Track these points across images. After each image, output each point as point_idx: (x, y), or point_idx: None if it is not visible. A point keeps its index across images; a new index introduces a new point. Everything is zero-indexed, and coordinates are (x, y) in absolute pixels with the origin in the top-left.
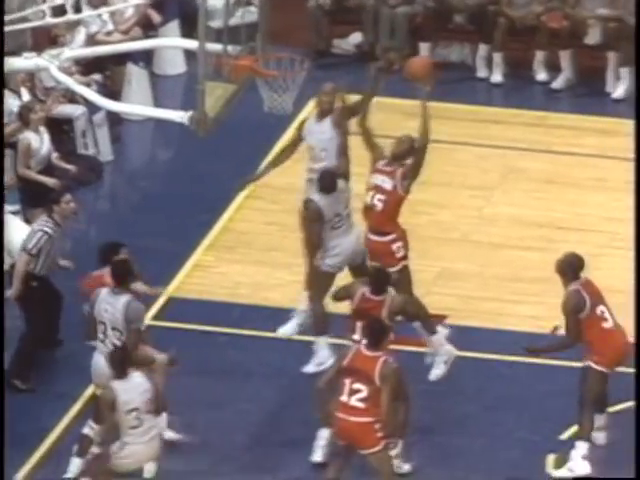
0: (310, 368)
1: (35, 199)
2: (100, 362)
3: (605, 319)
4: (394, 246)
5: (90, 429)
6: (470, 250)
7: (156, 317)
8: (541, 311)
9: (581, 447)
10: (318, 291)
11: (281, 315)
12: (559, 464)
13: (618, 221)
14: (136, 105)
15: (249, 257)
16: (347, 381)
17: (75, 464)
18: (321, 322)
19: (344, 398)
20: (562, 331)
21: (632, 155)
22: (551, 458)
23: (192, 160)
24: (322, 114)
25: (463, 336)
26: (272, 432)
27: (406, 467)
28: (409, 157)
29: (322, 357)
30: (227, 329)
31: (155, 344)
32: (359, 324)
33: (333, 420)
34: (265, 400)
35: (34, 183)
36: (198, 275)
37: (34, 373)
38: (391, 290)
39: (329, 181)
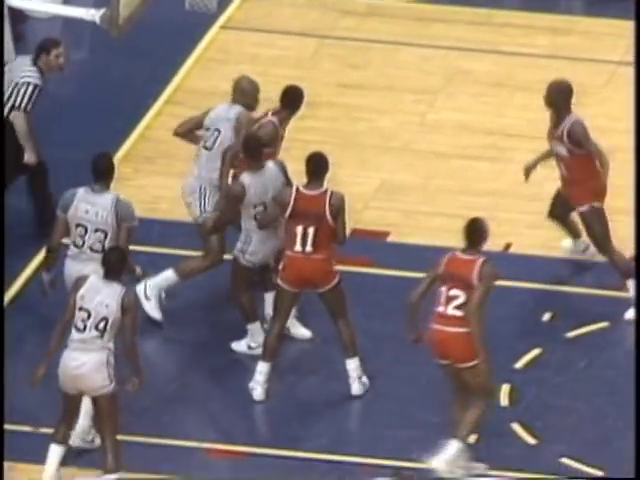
0: (240, 347)
1: None
2: (74, 268)
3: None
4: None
5: None
6: (413, 160)
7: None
8: (492, 226)
9: None
10: (239, 284)
11: None
12: (514, 395)
13: None
14: (42, 1)
15: (170, 168)
16: (443, 289)
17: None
18: (250, 311)
19: (440, 308)
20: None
21: (586, 56)
22: (506, 388)
23: (105, 63)
24: None
25: (406, 254)
26: (199, 360)
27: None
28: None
29: (257, 340)
30: (146, 248)
31: None
32: (300, 228)
33: (427, 334)
34: (192, 324)
35: None
36: (114, 188)
37: None
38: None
39: (255, 148)
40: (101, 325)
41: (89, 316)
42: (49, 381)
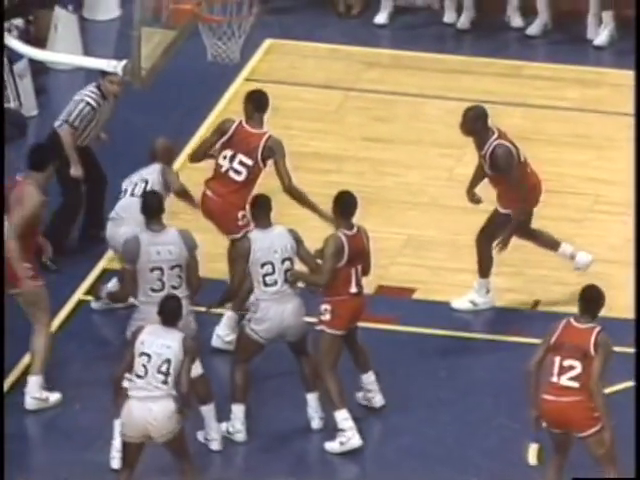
0: (222, 428)
1: None
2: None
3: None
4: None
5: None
6: (440, 215)
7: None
8: (519, 283)
9: None
10: (239, 355)
11: None
12: (542, 455)
13: (601, 182)
14: (63, 53)
15: (194, 224)
16: (557, 359)
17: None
18: (240, 389)
19: (554, 379)
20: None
21: (616, 109)
22: (533, 448)
23: (127, 115)
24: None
25: (433, 311)
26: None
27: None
28: None
29: (236, 426)
30: None
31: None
32: (353, 270)
33: (541, 404)
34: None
35: None
36: None
37: (64, 253)
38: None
39: (263, 206)
40: (164, 367)
41: (150, 359)
42: (65, 440)
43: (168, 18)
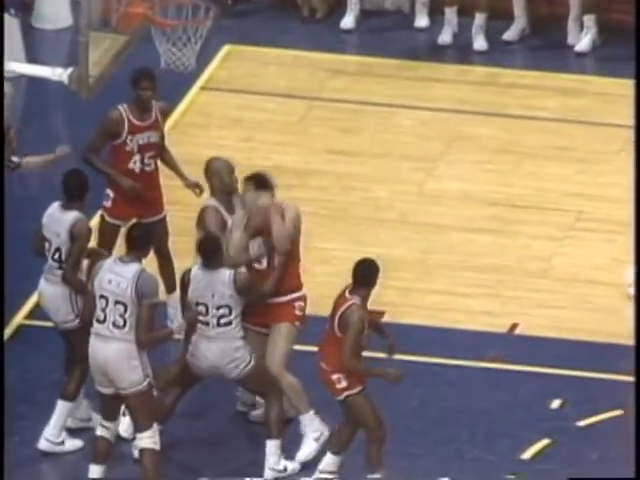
0: None
1: None
2: (103, 351)
3: None
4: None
5: (104, 429)
6: (410, 233)
7: None
8: (495, 306)
9: None
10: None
11: None
12: None
13: (584, 197)
14: (5, 60)
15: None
16: None
17: (96, 471)
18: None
19: None
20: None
21: (599, 119)
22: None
23: (73, 127)
24: None
25: (403, 336)
26: None
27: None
28: None
29: None
30: None
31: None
32: None
33: None
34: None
35: None
36: None
37: None
38: None
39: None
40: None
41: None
42: None
43: (118, 22)
